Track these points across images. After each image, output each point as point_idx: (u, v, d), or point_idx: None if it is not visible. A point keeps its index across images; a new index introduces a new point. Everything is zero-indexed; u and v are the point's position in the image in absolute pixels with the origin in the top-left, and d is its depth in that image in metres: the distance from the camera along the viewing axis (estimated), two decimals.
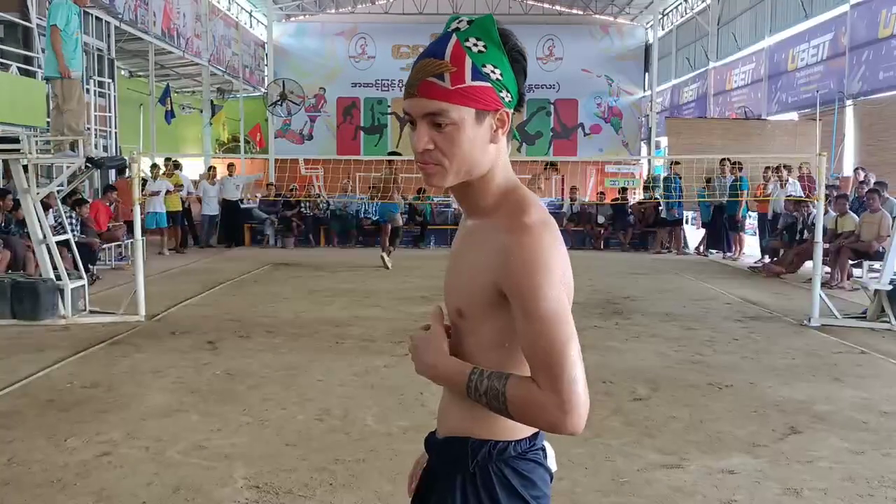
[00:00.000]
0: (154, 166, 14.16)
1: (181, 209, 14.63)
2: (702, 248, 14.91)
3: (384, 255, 12.24)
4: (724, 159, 13.81)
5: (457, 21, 1.32)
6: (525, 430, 1.41)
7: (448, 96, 1.29)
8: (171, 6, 17.27)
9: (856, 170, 12.53)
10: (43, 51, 9.82)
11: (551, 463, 1.50)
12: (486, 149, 1.34)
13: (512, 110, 1.36)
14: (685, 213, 16.70)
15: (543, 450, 1.47)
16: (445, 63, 1.29)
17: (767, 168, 13.36)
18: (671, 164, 14.97)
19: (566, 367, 1.23)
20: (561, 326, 1.25)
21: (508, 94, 1.33)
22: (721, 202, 13.63)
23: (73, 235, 9.03)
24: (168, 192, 13.82)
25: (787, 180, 12.86)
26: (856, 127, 15.18)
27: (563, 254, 1.32)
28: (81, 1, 7.72)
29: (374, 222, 16.20)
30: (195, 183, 15.70)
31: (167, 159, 14.92)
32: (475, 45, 1.30)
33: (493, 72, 1.30)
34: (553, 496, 3.57)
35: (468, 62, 1.29)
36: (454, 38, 1.30)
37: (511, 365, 1.34)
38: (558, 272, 1.28)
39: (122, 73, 20.44)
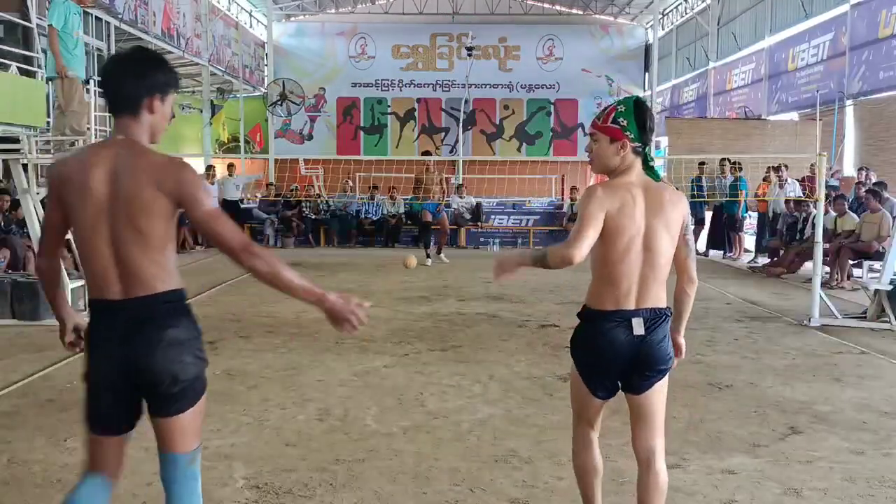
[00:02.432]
0: None
1: None
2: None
3: (438, 255, 12.69)
4: (723, 159, 13.80)
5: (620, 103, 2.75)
6: (594, 303, 2.71)
7: (598, 127, 2.74)
8: (171, 6, 17.26)
9: (859, 169, 12.46)
10: (44, 51, 9.82)
11: (637, 329, 2.66)
12: (613, 157, 2.70)
13: (635, 143, 2.68)
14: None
15: (612, 317, 2.67)
16: (603, 115, 2.74)
17: (769, 168, 13.36)
18: (699, 165, 14.71)
19: (573, 234, 2.58)
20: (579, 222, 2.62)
21: (631, 134, 2.68)
22: (721, 202, 13.63)
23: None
24: None
25: (786, 180, 12.85)
26: (856, 127, 15.18)
27: (598, 198, 2.62)
28: (83, 1, 7.71)
29: (374, 222, 16.23)
30: None
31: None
32: (621, 112, 2.70)
33: (621, 124, 2.69)
34: (553, 496, 3.54)
35: (612, 116, 2.71)
36: (613, 106, 2.75)
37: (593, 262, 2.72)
38: (587, 206, 2.63)
39: None
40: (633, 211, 2.62)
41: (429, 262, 12.46)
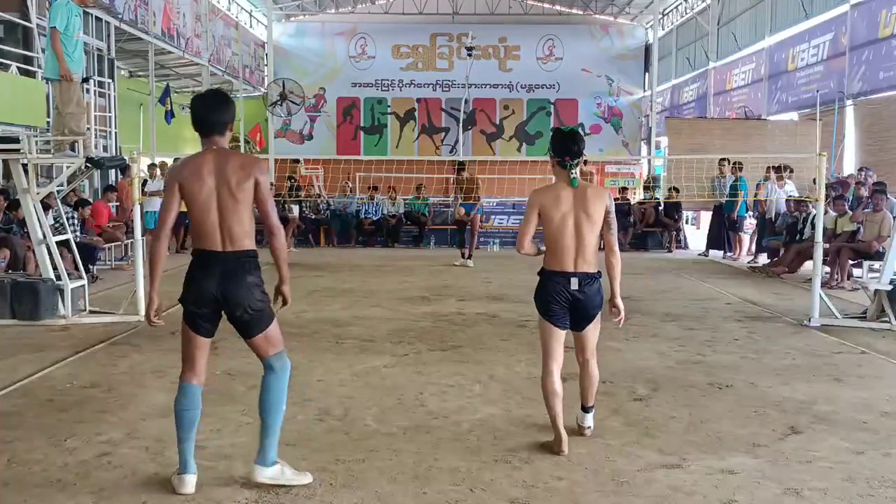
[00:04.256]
0: (152, 166, 14.15)
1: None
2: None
3: (469, 258, 12.27)
4: (723, 159, 13.78)
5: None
6: (547, 265, 4.00)
7: None
8: (171, 6, 17.26)
9: (860, 170, 12.44)
10: (43, 51, 9.80)
11: (573, 285, 3.91)
12: (552, 169, 4.04)
13: (556, 158, 3.98)
14: (685, 213, 16.68)
15: (557, 275, 3.94)
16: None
17: (769, 168, 13.34)
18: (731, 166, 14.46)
19: (519, 230, 4.07)
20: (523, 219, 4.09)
21: (552, 152, 4.01)
22: (720, 202, 13.61)
23: (74, 235, 9.02)
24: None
25: (786, 180, 12.84)
26: (856, 127, 15.17)
27: (534, 199, 3.98)
28: (84, 1, 7.69)
29: (374, 222, 16.23)
30: None
31: (176, 159, 14.91)
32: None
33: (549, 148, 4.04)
34: (553, 496, 3.56)
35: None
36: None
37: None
38: (527, 206, 4.02)
39: (122, 73, 20.42)
40: (560, 204, 3.88)
41: (470, 263, 12.26)
